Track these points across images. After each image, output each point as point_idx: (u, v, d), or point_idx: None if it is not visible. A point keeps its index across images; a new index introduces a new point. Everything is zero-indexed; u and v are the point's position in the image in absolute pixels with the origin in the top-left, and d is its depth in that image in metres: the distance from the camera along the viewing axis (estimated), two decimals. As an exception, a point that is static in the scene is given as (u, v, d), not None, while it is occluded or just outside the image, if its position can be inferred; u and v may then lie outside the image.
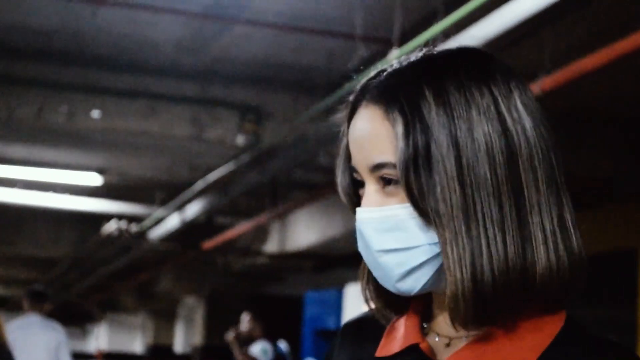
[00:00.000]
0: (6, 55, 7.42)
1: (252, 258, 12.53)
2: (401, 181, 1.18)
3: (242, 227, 10.59)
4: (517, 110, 1.21)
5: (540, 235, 1.18)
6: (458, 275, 1.16)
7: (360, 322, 1.39)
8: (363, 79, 1.27)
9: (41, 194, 11.55)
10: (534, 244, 1.18)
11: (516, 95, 1.22)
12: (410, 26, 4.96)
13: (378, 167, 1.20)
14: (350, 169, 1.26)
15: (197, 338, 16.58)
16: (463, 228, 1.16)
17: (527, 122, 1.21)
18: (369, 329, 1.35)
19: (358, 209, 1.23)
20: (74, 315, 24.71)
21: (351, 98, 1.27)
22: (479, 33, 4.66)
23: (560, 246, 1.19)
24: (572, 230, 1.22)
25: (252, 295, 15.15)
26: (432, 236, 1.18)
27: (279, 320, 10.43)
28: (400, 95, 1.20)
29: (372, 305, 1.32)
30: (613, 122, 7.13)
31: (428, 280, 1.20)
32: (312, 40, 6.45)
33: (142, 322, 22.64)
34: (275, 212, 9.78)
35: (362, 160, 1.22)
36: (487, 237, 1.16)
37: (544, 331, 1.21)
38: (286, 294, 14.94)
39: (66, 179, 10.82)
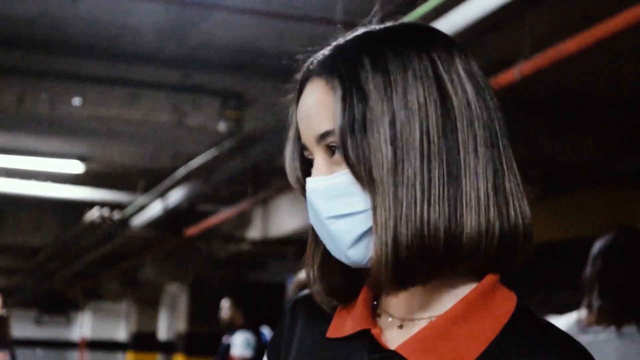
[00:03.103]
0: (-14, 43, 7.40)
1: (235, 245, 12.53)
2: (339, 147, 1.19)
3: (224, 214, 10.58)
4: (458, 75, 1.21)
5: (473, 199, 1.17)
6: (382, 237, 1.16)
7: (310, 299, 1.36)
8: (307, 60, 1.28)
9: (23, 182, 11.52)
10: (464, 207, 1.17)
11: (458, 61, 1.22)
12: (391, 11, 4.97)
13: (323, 136, 1.21)
14: (301, 148, 1.28)
15: (181, 325, 16.57)
16: (391, 191, 1.16)
17: (469, 87, 1.21)
18: (319, 307, 1.33)
19: (308, 179, 1.24)
20: (57, 304, 24.67)
21: (298, 77, 1.28)
22: (458, 17, 4.67)
23: (492, 211, 1.19)
24: (510, 198, 1.21)
25: (236, 281, 15.15)
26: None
27: (262, 307, 10.43)
28: (340, 65, 1.21)
29: (315, 289, 1.31)
30: (597, 105, 7.15)
31: None
32: (293, 26, 6.44)
33: (125, 310, 22.61)
34: (258, 199, 9.78)
35: (309, 132, 1.23)
36: (408, 198, 1.16)
37: (494, 317, 1.21)
38: (269, 280, 14.95)
39: (48, 167, 10.79)
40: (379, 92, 1.18)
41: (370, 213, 1.19)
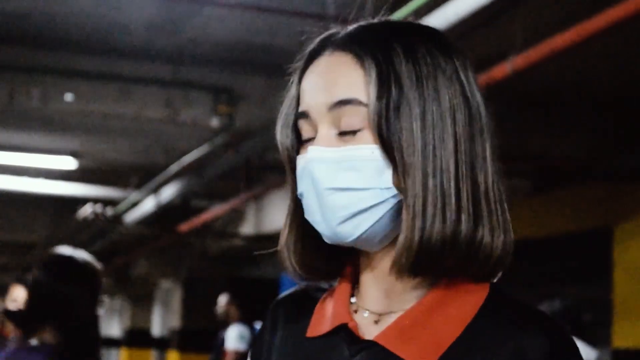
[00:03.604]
0: (-23, 39, 7.37)
1: (228, 240, 12.52)
2: (372, 121, 1.19)
3: (217, 210, 10.58)
4: (472, 85, 1.24)
5: (487, 204, 1.21)
6: (416, 222, 1.18)
7: (291, 299, 1.39)
8: (321, 36, 1.29)
9: (15, 179, 11.50)
10: (483, 210, 1.21)
11: (470, 73, 1.25)
12: (383, 7, 4.96)
13: (341, 103, 1.21)
14: (296, 119, 1.27)
15: (175, 321, 16.56)
16: (421, 178, 1.18)
17: (480, 97, 1.24)
18: (299, 306, 1.36)
19: (312, 147, 1.23)
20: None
21: (308, 49, 1.29)
22: (450, 12, 4.66)
23: (501, 219, 1.22)
24: (506, 208, 1.25)
25: (229, 277, 15.14)
26: (385, 181, 1.20)
27: (255, 302, 10.42)
28: (372, 45, 1.22)
29: (289, 264, 1.32)
30: (590, 101, 7.16)
31: (367, 229, 1.21)
32: (285, 21, 6.42)
33: (119, 306, 22.60)
34: (251, 194, 9.77)
35: (321, 100, 1.23)
36: (442, 192, 1.18)
37: (470, 302, 1.23)
38: (263, 276, 14.94)
39: (40, 163, 10.77)
40: (411, 81, 1.20)
41: (375, 192, 1.20)
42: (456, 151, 1.19)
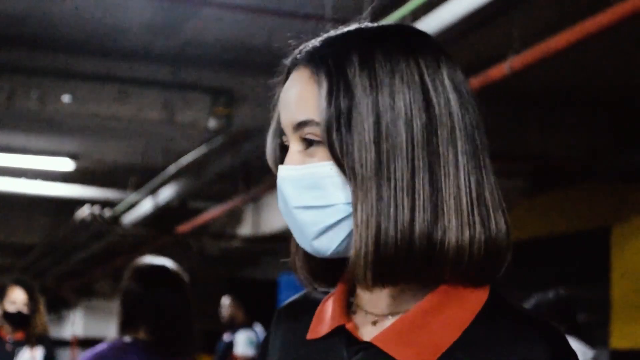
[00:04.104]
0: (-25, 41, 7.37)
1: (227, 242, 12.52)
2: (323, 138, 1.20)
3: (215, 211, 10.58)
4: (442, 84, 1.22)
5: (453, 207, 1.19)
6: (363, 234, 1.18)
7: (294, 304, 1.41)
8: (297, 49, 1.30)
9: (13, 180, 11.49)
10: (445, 214, 1.19)
11: (444, 70, 1.23)
12: (380, 8, 4.96)
13: (301, 124, 1.22)
14: (281, 132, 1.29)
15: (173, 322, 16.54)
16: (374, 190, 1.17)
17: (453, 97, 1.22)
18: (302, 311, 1.37)
19: (280, 166, 1.26)
20: (49, 302, 24.54)
21: (287, 63, 1.30)
22: (447, 14, 4.67)
23: (476, 219, 1.20)
24: (491, 210, 1.22)
25: (228, 279, 15.13)
26: (347, 196, 1.20)
27: (254, 304, 10.42)
28: (328, 58, 1.22)
29: (302, 274, 1.33)
30: (588, 101, 7.16)
31: (343, 241, 1.22)
32: (283, 22, 6.43)
33: (117, 308, 22.56)
34: (249, 196, 9.77)
35: (288, 119, 1.25)
36: (395, 200, 1.17)
37: (467, 307, 1.22)
38: (261, 277, 14.93)
39: (38, 165, 10.76)
40: (365, 90, 1.19)
41: (339, 207, 1.21)
42: (413, 158, 1.18)
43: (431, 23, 4.65)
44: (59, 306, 25.75)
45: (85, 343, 23.80)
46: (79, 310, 24.35)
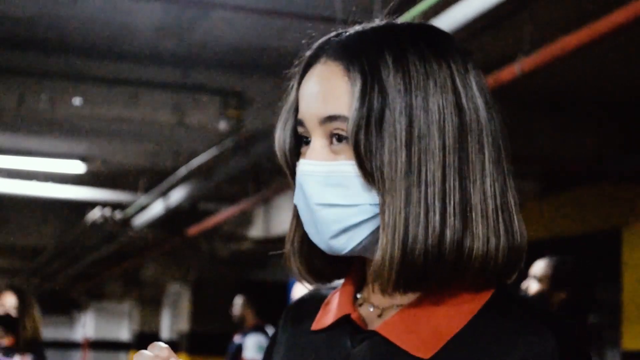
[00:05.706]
0: (-14, 44, 7.39)
1: (237, 243, 12.52)
2: (350, 138, 1.18)
3: (226, 213, 10.58)
4: (471, 88, 1.21)
5: (481, 212, 1.18)
6: (390, 238, 1.16)
7: (302, 302, 1.41)
8: (320, 40, 1.28)
9: (24, 183, 11.51)
10: (474, 219, 1.18)
11: (472, 74, 1.23)
12: (391, 9, 4.96)
13: (330, 119, 1.21)
14: (295, 124, 1.27)
15: (184, 325, 16.56)
16: (403, 193, 1.16)
17: (480, 101, 1.22)
18: (309, 306, 1.37)
19: (302, 161, 1.24)
20: (60, 304, 24.67)
21: (307, 54, 1.28)
22: (458, 14, 4.66)
23: (501, 226, 1.20)
24: (514, 215, 1.22)
25: (238, 280, 15.14)
26: (373, 197, 1.19)
27: (265, 305, 10.42)
28: (361, 55, 1.21)
29: (295, 267, 1.32)
30: (598, 102, 7.15)
31: (361, 242, 1.21)
32: (293, 24, 6.43)
33: (128, 310, 22.61)
34: (259, 197, 9.77)
35: (313, 112, 1.23)
36: (426, 205, 1.16)
37: (474, 299, 1.22)
38: (271, 279, 14.95)
39: (49, 167, 10.79)
40: (399, 91, 1.18)
41: (363, 208, 1.19)
42: (444, 163, 1.17)
43: (442, 24, 4.65)
44: (70, 308, 25.81)
45: (96, 345, 23.86)
46: (90, 312, 24.40)
